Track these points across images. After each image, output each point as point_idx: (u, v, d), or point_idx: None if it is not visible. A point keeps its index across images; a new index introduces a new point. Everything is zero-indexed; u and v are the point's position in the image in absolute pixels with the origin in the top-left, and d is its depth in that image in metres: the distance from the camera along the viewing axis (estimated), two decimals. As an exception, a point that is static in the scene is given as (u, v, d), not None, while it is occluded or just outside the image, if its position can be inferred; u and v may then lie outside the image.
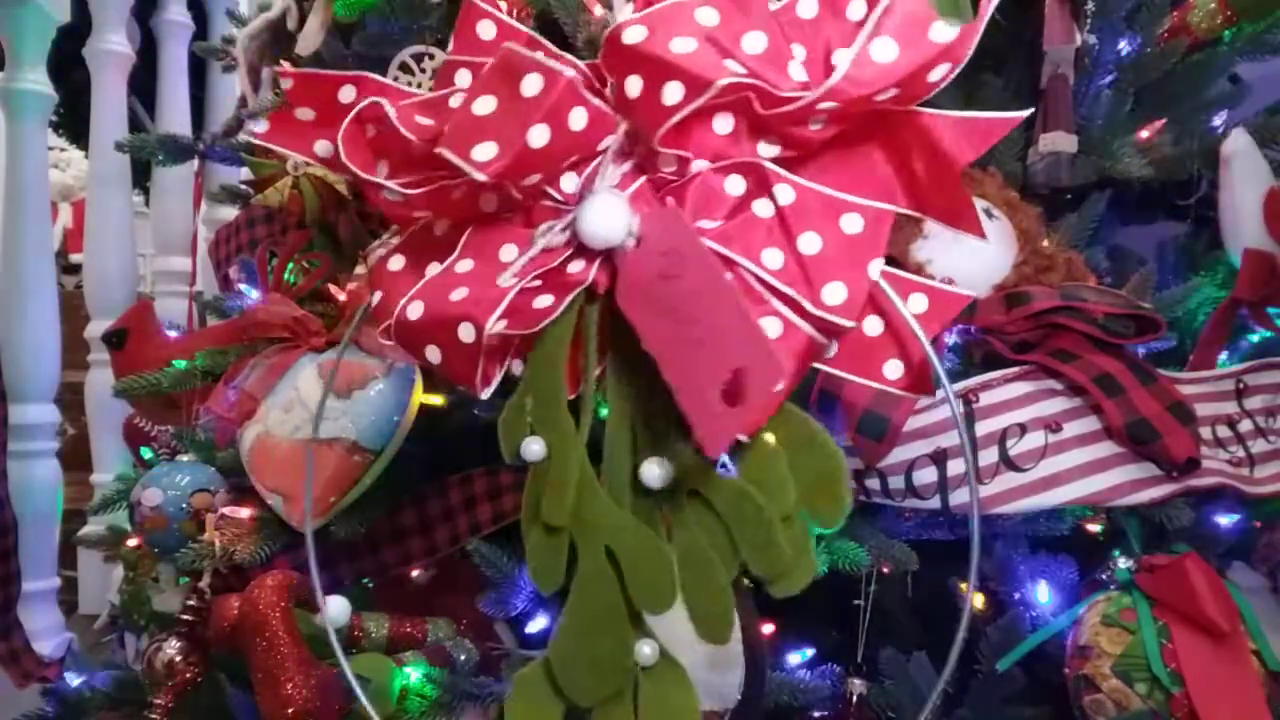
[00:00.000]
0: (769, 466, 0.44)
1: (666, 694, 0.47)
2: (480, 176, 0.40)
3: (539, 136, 0.41)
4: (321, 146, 0.49)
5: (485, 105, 0.42)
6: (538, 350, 0.46)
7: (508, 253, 0.45)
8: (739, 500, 0.44)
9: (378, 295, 0.47)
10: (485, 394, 0.44)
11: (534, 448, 0.46)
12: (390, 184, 0.44)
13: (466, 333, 0.43)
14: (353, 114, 0.45)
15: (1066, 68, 0.91)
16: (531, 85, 0.41)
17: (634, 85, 0.42)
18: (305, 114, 0.49)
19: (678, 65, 0.41)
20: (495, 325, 0.43)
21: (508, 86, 0.41)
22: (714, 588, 0.45)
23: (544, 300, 0.44)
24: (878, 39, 0.41)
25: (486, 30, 0.49)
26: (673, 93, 0.41)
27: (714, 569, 0.44)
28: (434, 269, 0.46)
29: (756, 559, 0.44)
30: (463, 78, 0.48)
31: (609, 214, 0.43)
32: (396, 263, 0.48)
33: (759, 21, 0.42)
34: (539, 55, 0.42)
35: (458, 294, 0.44)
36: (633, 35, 0.41)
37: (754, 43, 0.42)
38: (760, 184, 0.43)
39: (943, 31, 0.41)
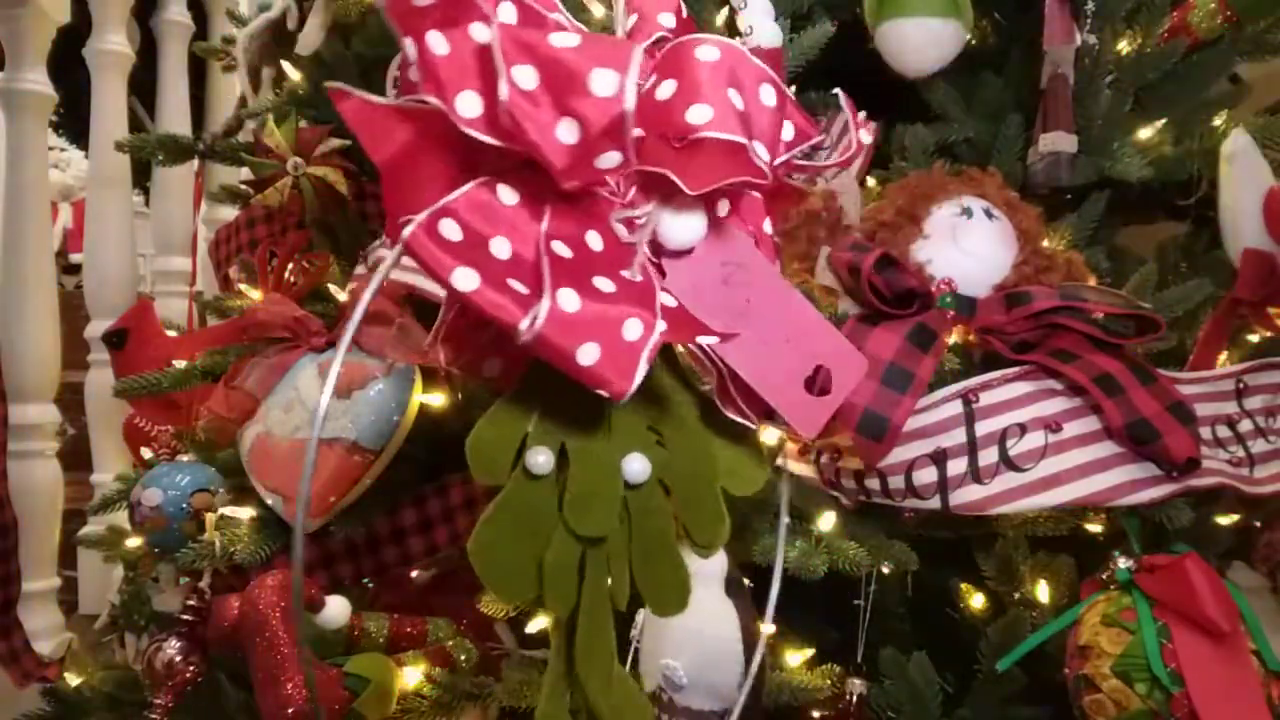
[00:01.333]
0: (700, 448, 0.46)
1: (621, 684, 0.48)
2: (768, 172, 0.41)
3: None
4: (436, 40, 0.38)
5: (738, 103, 0.41)
6: None
7: (594, 241, 0.41)
8: (692, 483, 0.45)
9: (466, 272, 0.37)
10: (629, 394, 0.39)
11: (540, 459, 0.43)
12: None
13: (634, 330, 0.39)
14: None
15: (1066, 68, 0.91)
16: (769, 96, 0.42)
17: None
18: None
19: (793, 108, 0.45)
20: (660, 324, 0.40)
21: (744, 91, 0.41)
22: (679, 567, 0.45)
23: (669, 300, 0.42)
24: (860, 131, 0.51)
25: None
26: (789, 130, 0.45)
27: (676, 551, 0.45)
28: (500, 246, 0.39)
29: (704, 533, 0.46)
30: (478, 31, 0.41)
31: (697, 221, 0.43)
32: (451, 230, 0.38)
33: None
34: (760, 63, 0.42)
35: (604, 285, 0.40)
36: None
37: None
38: (751, 212, 0.47)
39: (867, 136, 0.53)
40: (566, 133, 0.38)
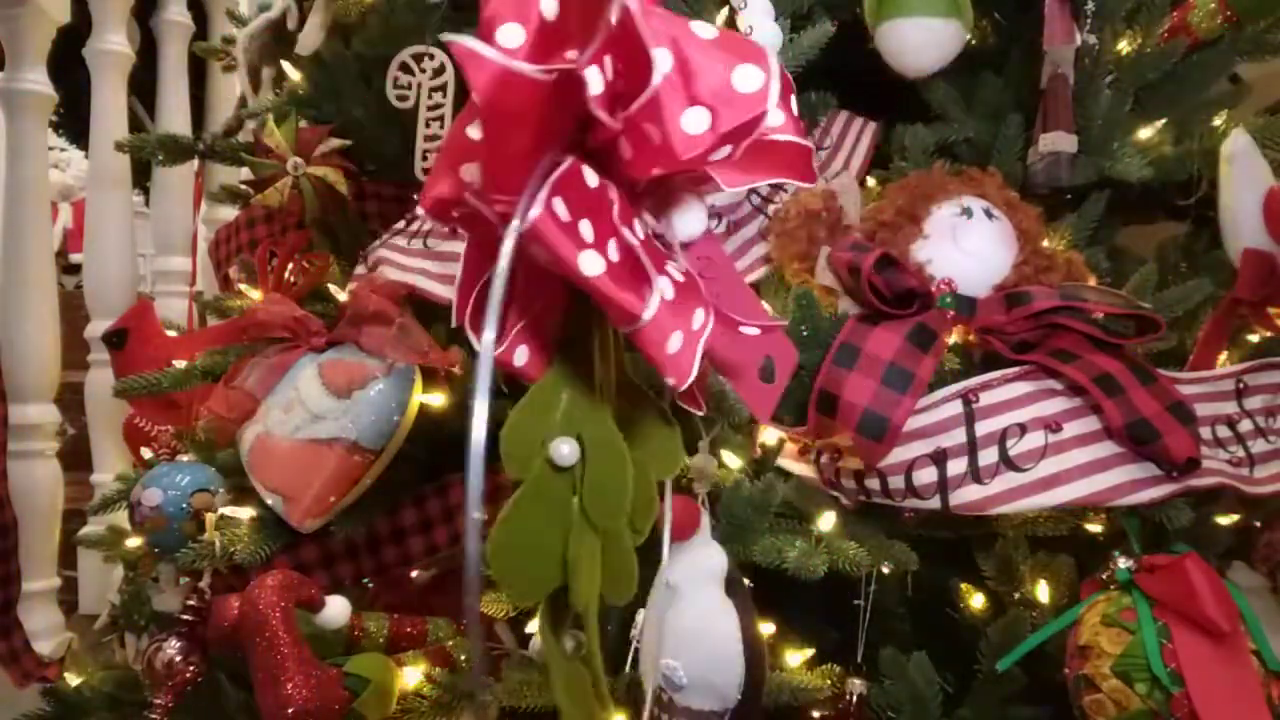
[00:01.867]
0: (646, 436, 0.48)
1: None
2: (817, 175, 0.42)
3: None
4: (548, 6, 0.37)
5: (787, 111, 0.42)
6: (573, 341, 0.43)
7: (639, 229, 0.40)
8: (640, 470, 0.46)
9: (592, 257, 0.36)
10: (686, 385, 0.40)
11: (565, 450, 0.41)
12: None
13: (698, 320, 0.39)
14: None
15: (1066, 68, 0.91)
16: (793, 106, 0.42)
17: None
18: None
19: None
20: (712, 315, 0.40)
21: (787, 99, 0.41)
22: (631, 554, 0.46)
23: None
24: None
25: None
26: None
27: (627, 538, 0.46)
28: (586, 229, 0.38)
29: (642, 520, 0.46)
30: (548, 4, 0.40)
31: (703, 214, 0.43)
32: (562, 211, 0.37)
33: None
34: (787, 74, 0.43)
35: (676, 274, 0.40)
36: None
37: None
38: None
39: None
40: (694, 122, 0.37)
